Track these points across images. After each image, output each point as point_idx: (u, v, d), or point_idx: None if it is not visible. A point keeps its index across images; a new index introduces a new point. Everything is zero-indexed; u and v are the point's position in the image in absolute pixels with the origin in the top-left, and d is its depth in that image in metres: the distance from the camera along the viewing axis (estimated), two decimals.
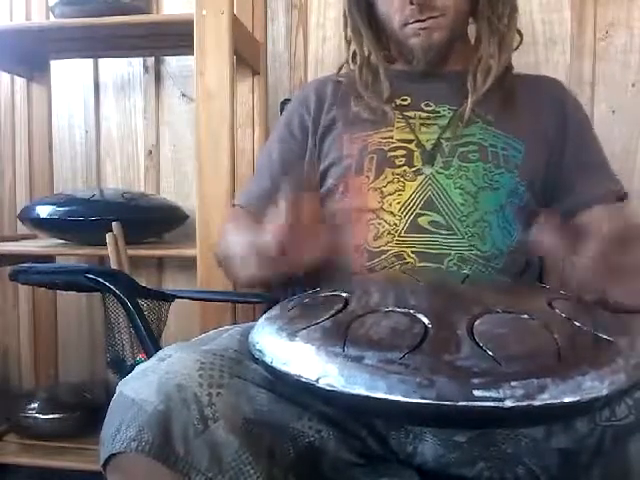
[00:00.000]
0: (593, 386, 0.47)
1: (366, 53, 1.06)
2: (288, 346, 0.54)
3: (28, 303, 1.83)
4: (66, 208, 1.47)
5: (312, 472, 0.71)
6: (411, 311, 0.54)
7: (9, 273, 1.00)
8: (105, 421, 0.66)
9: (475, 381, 0.45)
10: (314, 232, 0.71)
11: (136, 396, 0.64)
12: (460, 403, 0.45)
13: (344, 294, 0.61)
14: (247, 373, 0.69)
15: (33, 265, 1.02)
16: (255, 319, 1.37)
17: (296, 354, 0.53)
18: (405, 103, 1.02)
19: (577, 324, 0.54)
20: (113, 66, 1.77)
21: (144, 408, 0.62)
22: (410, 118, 1.00)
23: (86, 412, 1.61)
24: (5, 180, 1.82)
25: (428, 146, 0.97)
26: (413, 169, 0.96)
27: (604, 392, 0.47)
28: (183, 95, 1.72)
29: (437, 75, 1.02)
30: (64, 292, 1.73)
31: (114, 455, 0.63)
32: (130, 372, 0.70)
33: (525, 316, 0.53)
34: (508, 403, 0.45)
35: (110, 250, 1.35)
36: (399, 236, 0.92)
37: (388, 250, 0.92)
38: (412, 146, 0.98)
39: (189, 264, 1.49)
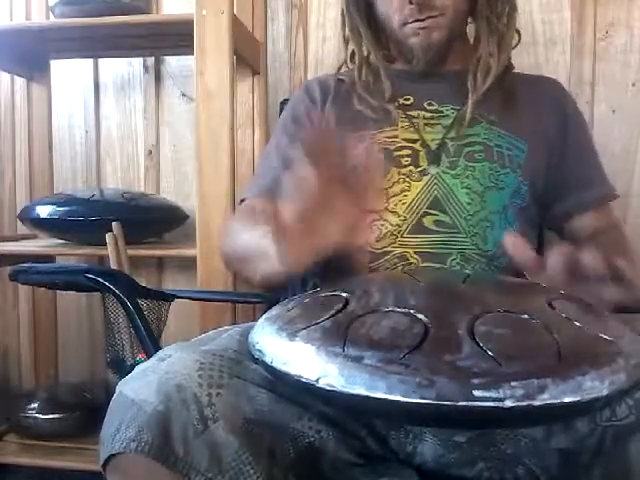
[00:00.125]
0: (593, 386, 0.47)
1: (365, 53, 1.06)
2: (288, 346, 0.54)
3: (28, 303, 1.83)
4: (66, 208, 1.47)
5: (312, 472, 0.71)
6: (411, 311, 0.54)
7: (9, 273, 1.00)
8: (105, 421, 0.66)
9: (475, 381, 0.45)
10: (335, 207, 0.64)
11: (136, 396, 0.63)
12: (460, 403, 0.45)
13: (344, 294, 0.61)
14: (247, 373, 0.69)
15: (33, 265, 1.01)
16: (255, 319, 1.37)
17: (296, 354, 0.52)
18: (408, 102, 1.02)
19: (577, 324, 0.54)
20: (113, 66, 1.77)
21: (144, 408, 0.62)
22: (413, 118, 1.00)
23: (86, 412, 1.61)
24: (5, 180, 1.82)
25: (433, 146, 0.98)
26: (419, 169, 0.96)
27: (604, 392, 0.47)
28: (183, 95, 1.72)
29: (437, 75, 1.02)
30: (64, 292, 1.73)
31: (114, 455, 0.62)
32: (130, 372, 0.69)
33: (525, 316, 0.53)
34: (508, 403, 0.44)
35: (110, 250, 1.35)
36: (402, 237, 0.92)
37: (391, 251, 0.92)
38: (417, 146, 0.98)
39: (189, 264, 1.49)
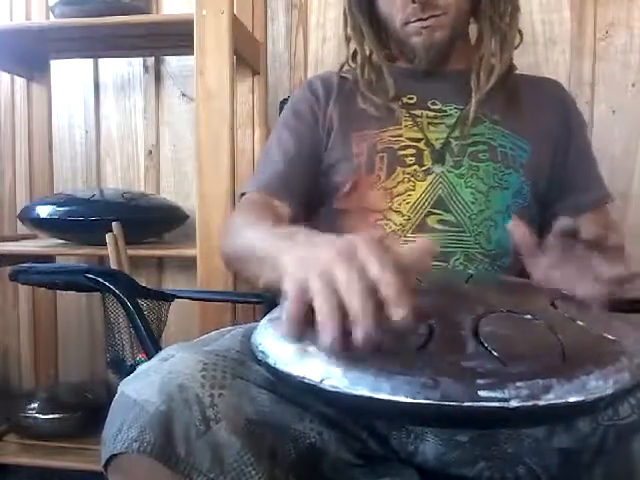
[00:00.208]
0: (598, 385, 0.47)
1: (367, 52, 1.05)
2: (291, 347, 0.54)
3: (28, 303, 1.83)
4: (66, 208, 1.47)
5: (313, 473, 0.71)
6: (415, 311, 0.54)
7: (9, 273, 1.00)
8: (106, 421, 0.66)
9: (480, 381, 0.45)
10: None
11: (138, 396, 0.63)
12: (465, 404, 0.45)
13: None
14: (249, 374, 0.69)
15: (33, 265, 1.01)
16: (255, 319, 1.38)
17: (299, 355, 0.52)
18: (411, 101, 1.02)
19: (580, 324, 0.54)
20: (113, 66, 1.77)
21: (146, 408, 0.62)
22: (417, 117, 1.00)
23: (86, 412, 1.61)
24: (5, 180, 1.82)
25: (437, 145, 0.98)
26: (423, 168, 0.96)
27: (609, 391, 0.47)
28: (183, 95, 1.72)
29: (439, 74, 1.03)
30: (64, 292, 1.73)
31: (115, 455, 0.62)
32: (130, 372, 0.69)
33: (529, 316, 0.53)
34: (513, 403, 0.44)
35: (110, 250, 1.35)
36: (406, 236, 0.92)
37: None
38: (421, 145, 0.98)
39: (189, 264, 1.49)
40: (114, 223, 1.38)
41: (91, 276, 0.94)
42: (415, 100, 1.02)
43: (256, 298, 1.32)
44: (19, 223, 1.67)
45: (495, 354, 0.48)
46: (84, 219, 1.45)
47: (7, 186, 1.82)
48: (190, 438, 0.61)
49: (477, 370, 0.46)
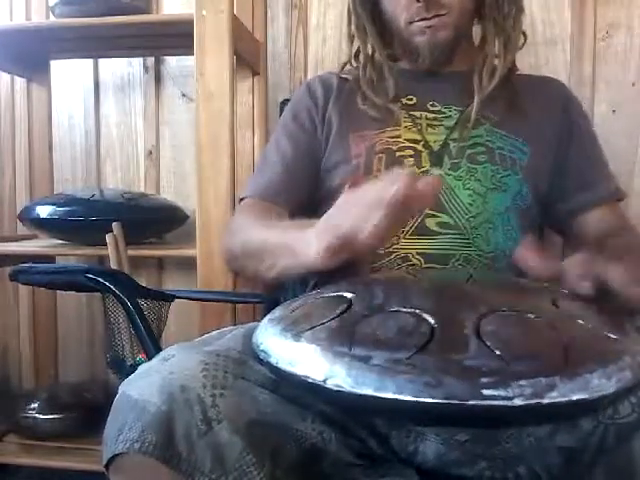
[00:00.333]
0: (600, 384, 0.47)
1: (370, 51, 1.05)
2: (294, 347, 0.54)
3: (28, 303, 1.83)
4: (66, 208, 1.47)
5: (314, 473, 0.71)
6: (417, 311, 0.54)
7: (9, 273, 1.00)
8: (108, 421, 0.66)
9: (484, 380, 0.45)
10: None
11: (139, 396, 0.63)
12: (469, 402, 0.45)
13: (348, 294, 0.61)
14: (250, 374, 0.69)
15: (33, 265, 1.01)
16: (255, 319, 1.38)
17: (302, 355, 0.52)
18: (411, 103, 1.02)
19: (582, 322, 0.54)
20: (113, 66, 1.76)
21: (147, 408, 0.62)
22: (416, 118, 1.00)
23: (86, 412, 1.61)
24: (5, 180, 1.82)
25: (435, 147, 0.98)
26: (421, 170, 0.96)
27: (611, 390, 0.47)
28: (183, 95, 1.72)
29: (441, 75, 1.02)
30: (64, 292, 1.73)
31: (117, 455, 0.62)
32: (130, 372, 0.69)
33: (531, 315, 0.53)
34: (517, 402, 0.44)
35: (110, 250, 1.35)
36: (405, 238, 0.92)
37: (393, 252, 0.92)
38: (419, 146, 0.98)
39: (189, 264, 1.49)
40: (114, 223, 1.38)
41: (91, 276, 0.94)
42: (415, 101, 1.02)
43: (256, 298, 1.32)
44: (19, 223, 1.67)
45: (498, 353, 0.48)
46: (84, 219, 1.45)
47: (7, 186, 1.82)
48: (191, 438, 0.61)
49: (480, 369, 0.46)
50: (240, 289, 1.36)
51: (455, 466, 0.77)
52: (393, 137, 0.99)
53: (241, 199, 1.06)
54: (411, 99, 1.02)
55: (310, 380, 0.50)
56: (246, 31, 1.50)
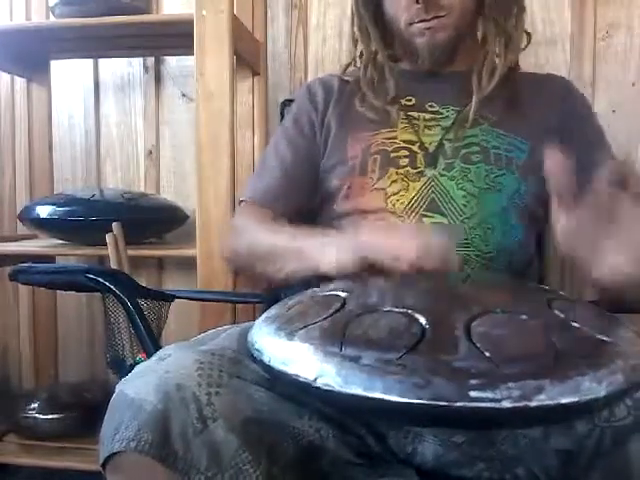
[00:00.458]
0: (591, 387, 0.47)
1: (372, 52, 1.05)
2: (286, 346, 0.54)
3: (28, 303, 1.83)
4: (66, 208, 1.47)
5: (311, 471, 0.71)
6: (409, 311, 0.54)
7: (9, 273, 1.00)
8: (104, 420, 0.66)
9: (472, 382, 0.45)
10: None
11: (135, 395, 0.63)
12: (457, 404, 0.45)
13: (342, 294, 0.61)
14: (246, 373, 0.69)
15: (33, 265, 1.01)
16: (255, 319, 1.37)
17: (294, 354, 0.52)
18: (410, 103, 1.02)
19: (575, 325, 0.54)
20: (113, 66, 1.77)
21: (143, 407, 0.62)
22: (414, 119, 1.00)
23: (86, 412, 1.61)
24: (5, 180, 1.83)
25: (431, 148, 0.97)
26: (416, 171, 0.96)
27: (602, 393, 0.47)
28: (183, 95, 1.72)
29: (442, 75, 1.02)
30: (64, 292, 1.73)
31: (113, 455, 0.62)
32: (130, 372, 0.69)
33: (523, 317, 0.53)
34: (505, 404, 0.44)
35: (110, 250, 1.35)
36: None
37: None
38: (415, 148, 0.98)
39: (189, 264, 1.49)
40: (114, 223, 1.38)
41: (91, 276, 0.94)
42: (413, 102, 1.02)
43: (256, 298, 1.32)
44: (19, 223, 1.67)
45: (487, 354, 0.48)
46: (84, 219, 1.45)
47: (7, 186, 1.83)
48: (187, 437, 0.61)
49: (469, 370, 0.46)
50: (240, 289, 1.36)
51: (454, 467, 0.77)
52: (389, 138, 0.99)
53: (240, 201, 1.07)
54: (410, 100, 1.02)
55: (301, 379, 0.50)
56: (246, 31, 1.50)
